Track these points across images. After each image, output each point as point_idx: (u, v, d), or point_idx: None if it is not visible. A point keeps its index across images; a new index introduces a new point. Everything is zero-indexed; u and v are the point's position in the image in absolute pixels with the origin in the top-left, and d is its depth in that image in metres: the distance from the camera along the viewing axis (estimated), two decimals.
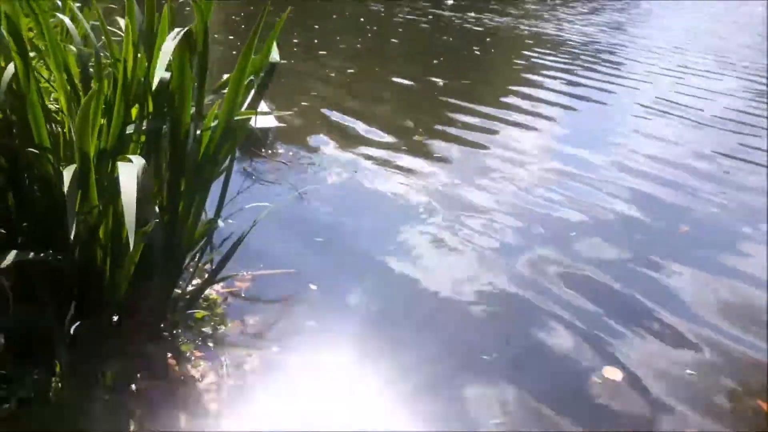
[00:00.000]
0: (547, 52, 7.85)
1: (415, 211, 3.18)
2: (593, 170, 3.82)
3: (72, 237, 1.35)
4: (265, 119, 4.79)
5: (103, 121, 1.90)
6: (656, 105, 5.54)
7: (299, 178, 3.42)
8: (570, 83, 6.23)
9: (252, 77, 1.98)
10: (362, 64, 6.73)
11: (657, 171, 3.91)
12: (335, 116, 4.73)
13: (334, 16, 9.94)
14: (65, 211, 1.50)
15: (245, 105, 2.03)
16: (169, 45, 1.68)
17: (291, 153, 3.73)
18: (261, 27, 1.84)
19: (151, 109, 1.92)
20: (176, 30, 1.80)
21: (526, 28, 9.52)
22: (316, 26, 8.71)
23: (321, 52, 7.07)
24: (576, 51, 8.00)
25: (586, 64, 7.13)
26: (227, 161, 2.08)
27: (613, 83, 6.34)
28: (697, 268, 2.80)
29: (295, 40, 7.57)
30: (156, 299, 2.05)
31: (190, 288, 2.25)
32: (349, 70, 6.37)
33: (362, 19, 9.61)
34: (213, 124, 1.97)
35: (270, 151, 3.51)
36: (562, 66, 6.97)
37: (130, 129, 1.89)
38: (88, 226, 1.73)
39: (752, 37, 10.23)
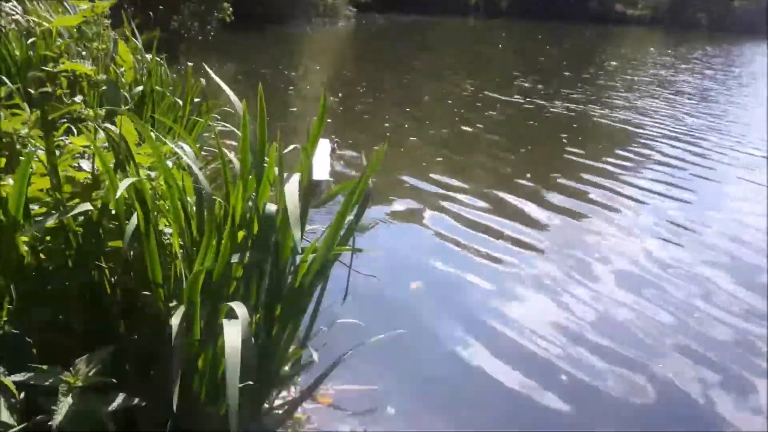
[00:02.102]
0: (611, 151, 7.42)
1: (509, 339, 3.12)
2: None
3: (175, 385, 1.43)
4: (319, 171, 4.91)
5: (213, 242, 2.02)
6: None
7: (388, 285, 3.47)
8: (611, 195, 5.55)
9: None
10: (451, 155, 6.81)
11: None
12: (429, 213, 4.80)
13: (426, 98, 10.18)
14: (170, 343, 1.59)
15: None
16: (293, 194, 1.78)
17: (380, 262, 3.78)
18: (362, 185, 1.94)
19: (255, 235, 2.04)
20: (296, 176, 1.91)
21: (598, 118, 9.13)
22: (408, 109, 8.94)
23: (411, 138, 7.23)
24: (632, 152, 7.28)
25: (640, 173, 6.40)
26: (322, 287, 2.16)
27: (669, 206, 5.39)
28: None
29: (386, 124, 7.79)
30: (243, 419, 2.11)
31: (277, 402, 2.31)
32: (437, 158, 6.47)
33: (449, 101, 9.80)
34: (311, 257, 2.06)
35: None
36: (613, 170, 6.38)
37: (235, 258, 2.00)
38: (188, 357, 1.82)
39: None
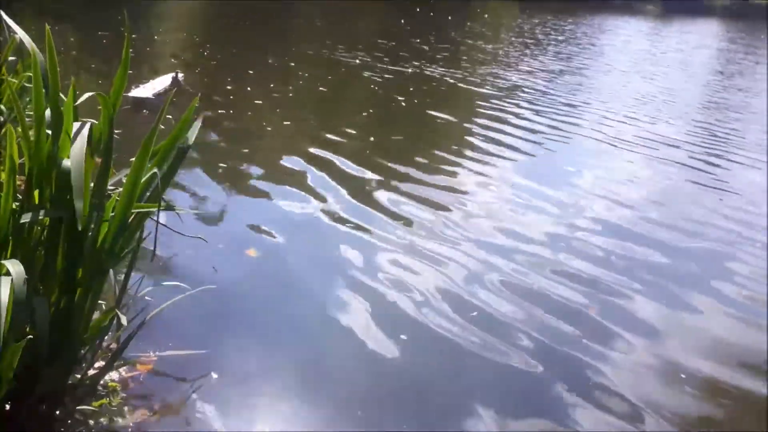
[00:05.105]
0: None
1: (336, 299, 3.06)
2: None
3: None
4: (145, 91, 6.04)
5: None
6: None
7: (216, 250, 3.37)
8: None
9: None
10: (296, 116, 6.72)
11: None
12: (263, 174, 4.72)
13: (271, 61, 9.96)
14: None
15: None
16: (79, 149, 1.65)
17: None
18: (163, 115, 1.84)
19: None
20: (83, 122, 1.78)
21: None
22: (251, 71, 8.72)
23: (257, 102, 7.06)
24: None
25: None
26: (131, 248, 2.05)
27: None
28: None
29: (228, 87, 7.55)
30: (47, 387, 1.97)
31: (91, 372, 2.18)
32: (285, 122, 6.35)
33: (292, 64, 9.66)
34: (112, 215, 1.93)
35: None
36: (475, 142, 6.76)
37: (26, 218, 1.85)
38: None
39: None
